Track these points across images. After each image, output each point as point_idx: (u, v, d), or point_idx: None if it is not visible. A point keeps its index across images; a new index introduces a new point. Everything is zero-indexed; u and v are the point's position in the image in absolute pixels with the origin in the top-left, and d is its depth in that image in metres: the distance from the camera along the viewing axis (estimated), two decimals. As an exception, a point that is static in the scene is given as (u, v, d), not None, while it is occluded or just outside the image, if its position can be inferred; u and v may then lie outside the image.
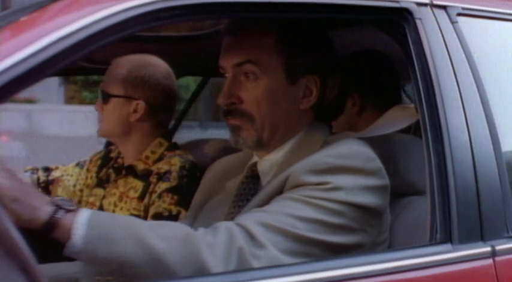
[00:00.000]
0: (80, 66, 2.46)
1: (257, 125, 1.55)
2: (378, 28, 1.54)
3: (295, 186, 1.43)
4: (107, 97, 2.24)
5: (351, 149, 1.47)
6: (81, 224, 1.23)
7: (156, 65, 2.31)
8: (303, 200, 1.39)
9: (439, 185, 1.40)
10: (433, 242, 1.40)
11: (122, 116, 2.24)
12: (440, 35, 1.52)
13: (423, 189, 1.50)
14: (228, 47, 1.58)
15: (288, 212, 1.37)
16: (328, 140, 1.58)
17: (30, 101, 11.36)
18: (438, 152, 1.43)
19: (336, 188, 1.40)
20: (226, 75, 1.58)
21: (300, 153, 1.55)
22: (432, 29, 1.50)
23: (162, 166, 2.21)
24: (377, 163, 1.48)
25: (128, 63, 2.28)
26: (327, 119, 1.64)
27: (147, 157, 2.28)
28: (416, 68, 1.47)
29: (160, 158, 2.26)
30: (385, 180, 1.49)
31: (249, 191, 1.61)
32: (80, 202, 2.42)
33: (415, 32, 1.48)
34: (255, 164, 1.64)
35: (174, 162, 2.20)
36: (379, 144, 1.59)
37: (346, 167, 1.43)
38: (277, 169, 1.57)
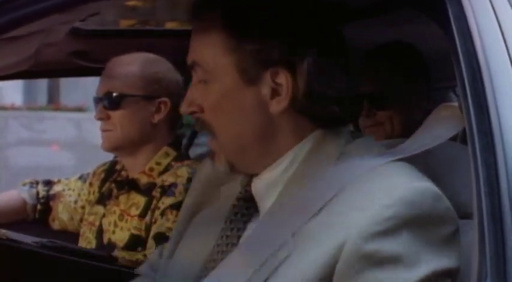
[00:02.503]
0: (78, 66, 2.23)
1: (220, 139, 1.25)
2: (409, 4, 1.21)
3: (358, 259, 1.10)
4: (121, 99, 2.01)
5: (411, 190, 1.13)
6: None
7: (161, 60, 2.12)
8: None
9: (489, 208, 1.08)
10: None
11: (143, 118, 2.04)
12: (490, 7, 1.20)
13: (471, 211, 1.17)
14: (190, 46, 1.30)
15: None
16: (347, 150, 1.24)
17: (79, 109, 11.40)
18: (488, 165, 1.11)
19: (407, 261, 1.09)
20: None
21: (305, 169, 1.23)
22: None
23: (167, 178, 2.00)
24: (444, 201, 1.15)
25: (133, 60, 2.08)
26: (333, 123, 1.28)
27: (151, 169, 2.07)
28: (460, 52, 1.16)
29: (166, 170, 2.05)
30: (456, 222, 1.16)
31: (241, 217, 1.30)
32: (81, 220, 2.22)
33: (458, 4, 1.18)
34: (248, 183, 1.32)
35: (181, 174, 1.99)
36: (416, 155, 1.27)
37: (413, 220, 1.11)
38: (280, 193, 1.24)
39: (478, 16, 1.19)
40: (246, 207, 1.31)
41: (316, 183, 1.19)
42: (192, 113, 1.27)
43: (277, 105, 1.22)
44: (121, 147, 2.04)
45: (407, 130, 1.96)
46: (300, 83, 1.22)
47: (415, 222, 1.11)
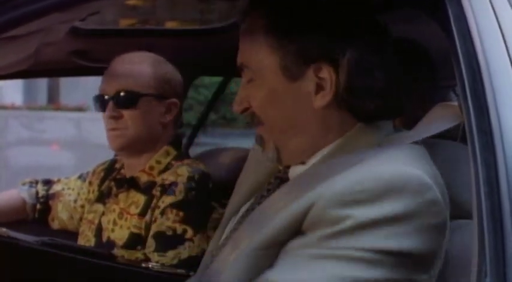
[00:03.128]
0: (78, 66, 2.21)
1: (269, 130, 1.35)
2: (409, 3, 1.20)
3: (316, 223, 1.15)
4: (135, 98, 1.99)
5: (397, 172, 1.16)
6: None
7: (166, 60, 2.10)
8: (326, 255, 1.13)
9: (489, 208, 1.07)
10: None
11: (154, 118, 2.03)
12: (490, 7, 1.19)
13: (470, 211, 1.16)
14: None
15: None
16: (384, 142, 1.29)
17: (79, 109, 11.38)
18: (488, 164, 1.10)
19: (369, 229, 1.12)
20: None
21: (337, 160, 1.27)
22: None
23: (168, 177, 1.98)
24: (432, 193, 1.16)
25: (143, 59, 2.06)
26: (374, 117, 1.31)
27: (151, 168, 2.05)
28: (459, 52, 1.15)
29: (166, 169, 2.03)
30: (441, 217, 1.17)
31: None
32: (80, 219, 2.21)
33: (458, 4, 1.17)
34: (288, 166, 1.39)
35: (181, 173, 1.97)
36: None
37: (385, 198, 1.13)
38: (306, 175, 1.30)
39: (478, 16, 1.18)
40: (279, 187, 1.36)
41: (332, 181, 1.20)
42: (245, 109, 1.36)
43: (322, 100, 1.28)
44: (130, 146, 2.02)
45: (409, 129, 1.95)
46: (342, 78, 1.26)
47: (387, 204, 1.12)
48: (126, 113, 1.99)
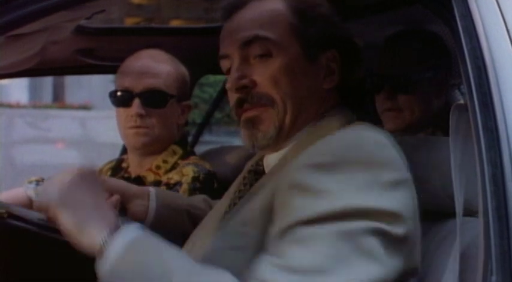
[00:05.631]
0: (84, 64, 2.22)
1: (278, 107, 1.33)
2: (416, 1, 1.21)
3: (288, 188, 1.18)
4: (165, 98, 1.99)
5: (358, 136, 1.22)
6: (114, 251, 1.16)
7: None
8: (305, 233, 1.13)
9: (495, 207, 1.07)
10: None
11: (174, 119, 2.04)
12: (496, 5, 1.19)
13: (476, 209, 1.17)
14: (230, 29, 1.38)
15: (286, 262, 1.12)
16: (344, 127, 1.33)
17: (84, 107, 11.40)
18: (494, 163, 1.10)
19: (336, 191, 1.13)
20: (232, 67, 1.37)
21: (307, 142, 1.29)
22: (486, -2, 1.19)
23: (173, 176, 1.98)
24: (390, 151, 1.20)
25: (166, 58, 2.05)
26: (352, 102, 1.41)
27: (157, 167, 2.05)
28: (465, 49, 1.13)
29: (172, 168, 2.03)
30: (402, 173, 1.19)
31: (249, 188, 1.39)
32: None
33: (464, 2, 1.18)
34: (261, 158, 1.43)
35: (186, 173, 1.96)
36: (415, 148, 1.33)
37: (349, 159, 1.16)
38: (280, 160, 1.35)
39: (483, 14, 1.18)
40: (255, 179, 1.39)
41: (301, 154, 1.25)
42: (243, 87, 1.33)
43: (331, 83, 1.36)
44: (152, 145, 2.01)
45: (425, 118, 1.95)
46: (347, 65, 1.37)
47: (349, 162, 1.16)
48: (154, 112, 1.98)
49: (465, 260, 1.23)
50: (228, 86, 1.35)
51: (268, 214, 1.21)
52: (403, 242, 1.15)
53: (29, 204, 2.22)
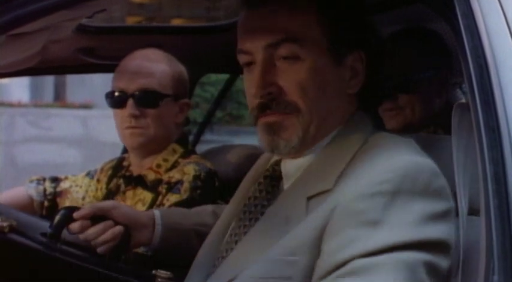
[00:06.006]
0: (85, 63, 2.21)
1: (304, 117, 1.28)
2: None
3: (344, 217, 1.17)
4: (159, 97, 1.99)
5: (414, 164, 1.19)
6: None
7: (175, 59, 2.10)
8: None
9: (497, 206, 1.06)
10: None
11: (171, 118, 2.04)
12: (498, 3, 1.19)
13: (479, 208, 1.17)
14: (254, 24, 1.29)
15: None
16: (371, 139, 1.29)
17: (86, 106, 11.39)
18: (496, 161, 1.10)
19: (393, 223, 1.14)
20: (252, 62, 1.31)
21: (333, 153, 1.28)
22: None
23: (174, 175, 1.98)
24: (442, 179, 1.20)
25: (161, 58, 2.05)
26: (370, 106, 1.37)
27: (158, 166, 2.05)
28: (467, 48, 1.13)
29: (173, 166, 2.03)
30: (450, 202, 1.20)
31: (266, 194, 1.35)
32: None
33: (465, 1, 1.17)
34: (278, 163, 1.37)
35: (188, 171, 1.96)
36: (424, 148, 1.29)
37: (407, 189, 1.16)
38: (303, 171, 1.31)
39: (485, 13, 1.18)
40: (272, 185, 1.35)
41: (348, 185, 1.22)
42: (269, 93, 1.28)
43: (355, 87, 1.31)
44: (148, 145, 2.02)
45: (426, 117, 1.94)
46: (370, 67, 1.31)
47: (407, 192, 1.15)
48: (148, 112, 1.98)
49: (468, 259, 1.23)
50: (251, 91, 1.29)
51: (318, 241, 1.18)
52: (446, 274, 1.17)
53: (30, 203, 2.22)
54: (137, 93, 1.97)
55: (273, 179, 1.36)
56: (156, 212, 1.67)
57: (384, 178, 1.16)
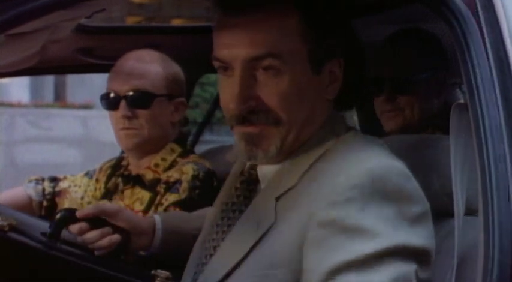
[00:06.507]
0: (84, 63, 2.21)
1: (284, 127, 1.26)
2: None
3: (321, 226, 1.16)
4: (150, 98, 1.98)
5: (381, 166, 1.18)
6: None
7: (170, 59, 2.09)
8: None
9: (496, 206, 1.05)
10: (487, 282, 1.05)
11: (165, 117, 2.03)
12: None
13: (477, 208, 1.17)
14: (233, 34, 1.25)
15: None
16: (341, 139, 1.28)
17: (86, 106, 11.39)
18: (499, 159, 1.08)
19: (371, 229, 1.12)
20: (228, 68, 1.27)
21: (303, 154, 1.28)
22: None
23: (173, 174, 1.98)
24: (414, 182, 1.18)
25: (154, 58, 2.05)
26: (344, 107, 1.35)
27: (156, 165, 2.04)
28: (487, 42, 1.15)
29: (171, 166, 2.03)
30: (425, 204, 1.19)
31: (244, 199, 1.33)
32: None
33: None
34: (253, 167, 1.35)
35: (186, 171, 1.96)
36: (413, 147, 1.33)
37: (378, 193, 1.15)
38: (275, 174, 1.29)
39: (506, 5, 1.17)
40: (249, 190, 1.34)
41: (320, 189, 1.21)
42: (248, 107, 1.25)
43: (333, 92, 1.29)
44: (143, 146, 2.02)
45: (425, 118, 1.94)
46: (347, 70, 1.29)
47: (379, 196, 1.13)
48: (140, 113, 1.98)
49: (465, 259, 1.23)
50: (227, 99, 1.26)
51: (298, 252, 1.17)
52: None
53: (29, 203, 2.22)
54: (129, 94, 1.97)
55: (250, 183, 1.35)
56: (157, 217, 1.69)
57: (354, 183, 1.15)
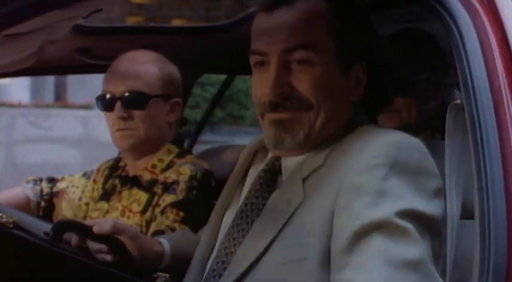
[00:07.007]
0: (82, 63, 2.20)
1: (314, 113, 1.34)
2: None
3: (349, 191, 1.22)
4: (145, 99, 1.98)
5: (405, 141, 1.26)
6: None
7: (166, 59, 2.08)
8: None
9: (492, 208, 1.04)
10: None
11: (161, 118, 2.03)
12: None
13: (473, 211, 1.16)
14: (271, 28, 1.35)
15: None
16: (364, 127, 1.36)
17: (86, 107, 11.38)
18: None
19: (393, 195, 1.18)
20: (264, 62, 1.36)
21: (331, 143, 1.35)
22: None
23: (170, 175, 1.97)
24: (431, 159, 1.26)
25: (149, 59, 2.05)
26: (369, 113, 1.44)
27: (153, 166, 2.04)
28: (461, 49, 1.12)
29: (169, 167, 2.02)
30: (440, 180, 1.25)
31: (266, 187, 1.39)
32: (84, 217, 2.19)
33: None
34: (278, 158, 1.42)
35: (183, 171, 1.95)
36: None
37: (401, 164, 1.22)
38: (300, 162, 1.36)
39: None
40: (272, 179, 1.40)
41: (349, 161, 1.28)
42: (282, 93, 1.33)
43: (358, 94, 1.36)
44: (139, 146, 2.01)
45: (423, 120, 1.93)
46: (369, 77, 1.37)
47: (402, 166, 1.20)
48: (136, 113, 1.98)
49: (458, 267, 1.23)
50: (262, 90, 1.34)
51: (330, 222, 1.22)
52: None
53: (27, 203, 2.21)
54: (124, 95, 1.97)
55: (273, 173, 1.41)
56: (166, 245, 1.68)
57: (379, 152, 1.21)
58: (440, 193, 1.22)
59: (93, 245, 1.59)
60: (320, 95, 1.32)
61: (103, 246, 1.58)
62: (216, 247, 1.43)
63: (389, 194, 1.17)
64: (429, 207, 1.18)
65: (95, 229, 1.55)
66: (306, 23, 1.33)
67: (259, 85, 1.36)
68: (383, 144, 1.23)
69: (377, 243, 1.13)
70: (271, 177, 1.41)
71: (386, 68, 1.42)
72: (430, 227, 1.17)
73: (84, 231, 1.58)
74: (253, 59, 1.38)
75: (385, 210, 1.15)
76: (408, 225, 1.14)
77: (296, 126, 1.34)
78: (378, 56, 1.40)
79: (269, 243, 1.28)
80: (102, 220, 1.63)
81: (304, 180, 1.31)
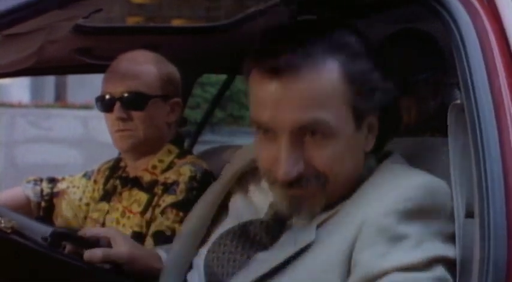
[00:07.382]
0: (82, 63, 2.21)
1: (330, 187, 1.26)
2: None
3: (373, 234, 1.18)
4: (145, 100, 1.98)
5: (432, 184, 1.23)
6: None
7: (165, 59, 2.08)
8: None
9: (492, 207, 1.05)
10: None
11: (161, 118, 2.03)
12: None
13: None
14: (277, 96, 1.19)
15: None
16: (380, 167, 1.33)
17: (86, 107, 11.38)
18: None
19: (418, 241, 1.17)
20: (270, 131, 1.24)
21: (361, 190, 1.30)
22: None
23: (170, 176, 1.97)
24: (452, 201, 1.24)
25: (147, 59, 2.04)
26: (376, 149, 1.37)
27: (154, 167, 2.04)
28: (461, 49, 1.12)
29: (169, 167, 2.03)
30: (454, 224, 1.24)
31: (273, 236, 1.34)
32: (85, 218, 2.20)
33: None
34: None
35: (183, 172, 1.95)
36: (415, 150, 1.35)
37: (427, 207, 1.20)
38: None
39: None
40: (279, 226, 1.35)
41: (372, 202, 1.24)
42: (297, 172, 1.21)
43: (371, 143, 1.30)
44: (139, 147, 2.01)
45: (423, 121, 1.93)
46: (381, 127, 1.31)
47: (427, 210, 1.18)
48: (135, 114, 1.98)
49: (465, 261, 1.22)
50: (275, 166, 1.22)
51: (348, 260, 1.18)
52: None
53: (27, 203, 2.22)
54: (123, 96, 1.97)
55: (279, 221, 1.35)
56: (164, 256, 1.64)
57: (409, 196, 1.18)
58: (454, 235, 1.21)
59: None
60: (336, 166, 1.23)
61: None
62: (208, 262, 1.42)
63: (413, 239, 1.15)
64: (449, 250, 1.18)
65: (85, 257, 1.47)
66: (319, 92, 1.18)
67: (264, 154, 1.26)
68: (413, 186, 1.19)
69: None
70: (278, 226, 1.35)
71: (397, 109, 1.40)
72: (449, 267, 1.17)
73: (80, 243, 1.57)
74: (254, 125, 1.25)
75: (408, 256, 1.14)
76: (434, 269, 1.14)
77: (312, 201, 1.26)
78: (391, 104, 1.32)
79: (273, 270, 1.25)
80: (97, 233, 1.55)
81: (318, 226, 1.26)
